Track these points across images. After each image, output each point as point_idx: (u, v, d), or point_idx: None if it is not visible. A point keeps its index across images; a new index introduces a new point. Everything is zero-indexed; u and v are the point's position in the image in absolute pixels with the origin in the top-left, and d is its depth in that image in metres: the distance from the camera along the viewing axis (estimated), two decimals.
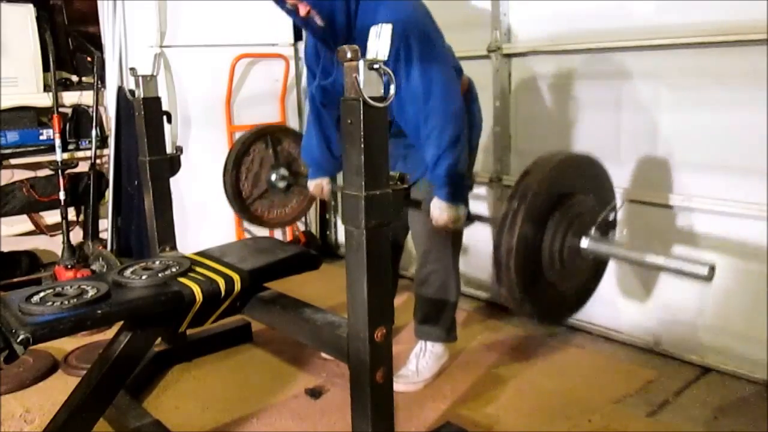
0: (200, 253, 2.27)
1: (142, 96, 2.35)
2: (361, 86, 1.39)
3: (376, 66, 1.41)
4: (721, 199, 2.22)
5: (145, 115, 2.35)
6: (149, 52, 3.16)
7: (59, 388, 2.31)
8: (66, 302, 1.73)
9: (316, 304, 2.02)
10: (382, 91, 1.44)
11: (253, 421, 2.09)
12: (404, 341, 2.49)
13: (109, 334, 2.34)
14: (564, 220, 1.66)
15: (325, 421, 2.08)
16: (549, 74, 2.72)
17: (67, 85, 3.50)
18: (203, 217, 3.43)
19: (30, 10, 3.27)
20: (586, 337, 2.68)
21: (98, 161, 3.49)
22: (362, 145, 1.44)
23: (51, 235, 3.52)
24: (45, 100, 3.33)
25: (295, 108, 3.81)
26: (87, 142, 3.46)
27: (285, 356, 2.55)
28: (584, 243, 1.70)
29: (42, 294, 1.79)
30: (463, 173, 2.02)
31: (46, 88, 3.33)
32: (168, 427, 1.98)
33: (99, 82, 3.42)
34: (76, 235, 3.51)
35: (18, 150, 3.29)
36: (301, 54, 3.61)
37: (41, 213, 3.47)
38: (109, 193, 3.46)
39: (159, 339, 2.39)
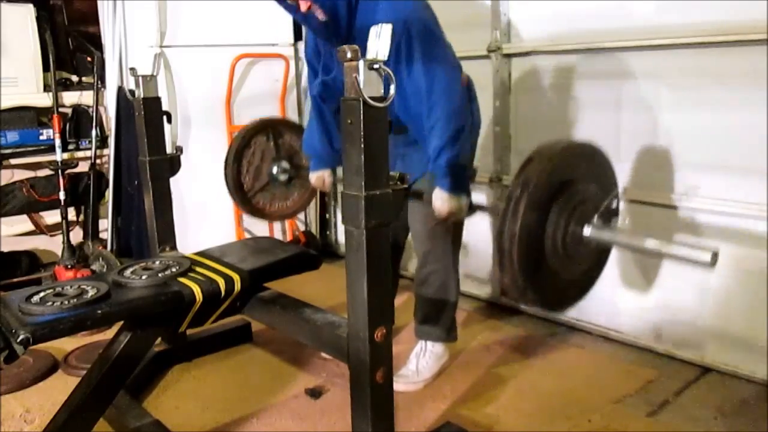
0: (200, 253, 2.27)
1: (142, 96, 2.35)
2: (361, 86, 1.39)
3: (376, 66, 1.41)
4: (722, 199, 2.23)
5: (145, 115, 2.35)
6: (149, 52, 3.16)
7: (59, 388, 2.31)
8: (66, 302, 1.73)
9: (316, 304, 2.02)
10: (382, 91, 1.44)
11: (253, 421, 2.09)
12: (404, 341, 2.49)
13: (109, 334, 2.34)
14: (566, 208, 1.66)
15: (325, 421, 2.08)
16: (549, 74, 2.72)
17: (67, 85, 3.50)
18: (203, 217, 3.43)
19: (30, 10, 3.28)
20: (586, 337, 2.68)
21: (98, 161, 3.49)
22: (362, 145, 1.44)
23: (51, 235, 3.52)
24: (45, 100, 3.33)
25: (295, 108, 3.81)
26: (87, 142, 3.46)
27: (285, 356, 2.55)
28: (587, 230, 1.70)
29: (42, 294, 1.79)
30: (465, 164, 2.03)
31: (46, 88, 3.33)
32: (168, 427, 1.98)
33: (99, 82, 3.42)
34: (76, 235, 3.51)
35: (18, 150, 3.29)
36: (302, 54, 3.62)
37: (41, 213, 3.47)
38: (109, 193, 3.46)
39: (159, 339, 2.39)
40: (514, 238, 1.57)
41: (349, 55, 1.40)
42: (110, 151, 3.42)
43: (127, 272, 2.00)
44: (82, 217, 3.55)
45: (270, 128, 2.71)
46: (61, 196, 3.28)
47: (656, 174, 2.40)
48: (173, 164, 2.46)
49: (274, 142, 2.70)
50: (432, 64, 1.92)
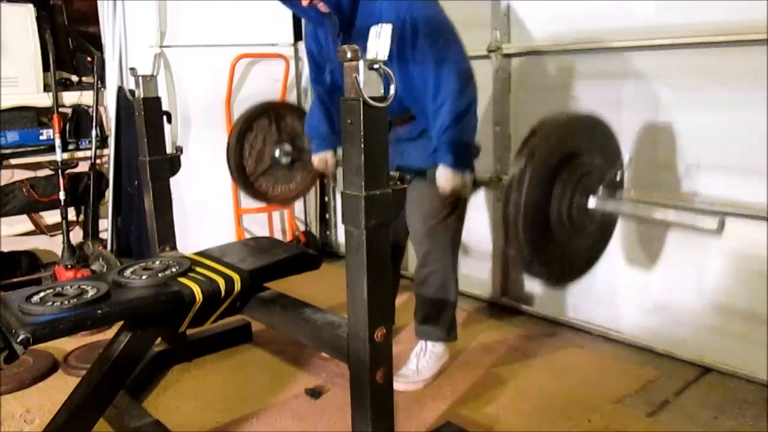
0: (200, 253, 2.27)
1: (142, 96, 2.35)
2: (361, 86, 1.39)
3: (376, 66, 1.41)
4: (722, 198, 2.22)
5: (145, 115, 2.35)
6: (149, 52, 3.16)
7: (59, 388, 2.31)
8: (66, 302, 1.73)
9: (316, 304, 2.02)
10: (383, 91, 1.44)
11: (253, 421, 2.09)
12: (404, 341, 2.49)
13: (109, 334, 2.34)
14: (571, 180, 1.66)
15: (325, 421, 2.08)
16: (549, 74, 2.72)
17: (67, 85, 3.50)
18: (203, 217, 3.43)
19: (30, 10, 3.28)
20: (586, 337, 2.68)
21: (98, 161, 3.49)
22: (362, 145, 1.44)
23: (51, 235, 3.52)
24: (45, 100, 3.33)
25: None
26: (87, 142, 3.46)
27: (285, 356, 2.55)
28: (592, 202, 1.69)
29: (42, 294, 1.79)
30: (470, 141, 2.05)
31: (46, 88, 3.33)
32: (168, 427, 1.98)
33: (99, 82, 3.42)
34: (76, 235, 3.51)
35: (18, 150, 3.29)
36: (302, 54, 3.62)
37: (41, 213, 3.47)
38: (109, 193, 3.46)
39: (159, 339, 2.39)
40: (519, 209, 1.56)
41: (349, 55, 1.40)
42: (110, 151, 3.43)
43: (127, 272, 2.00)
44: (82, 217, 3.55)
45: (271, 111, 2.70)
46: (61, 196, 3.28)
47: (656, 174, 2.40)
48: (173, 164, 2.46)
49: (276, 126, 2.69)
50: (438, 40, 1.94)
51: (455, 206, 2.20)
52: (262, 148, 2.67)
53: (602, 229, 1.85)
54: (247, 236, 3.58)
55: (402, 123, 2.10)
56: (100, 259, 3.26)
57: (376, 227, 1.50)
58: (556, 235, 1.67)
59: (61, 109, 3.35)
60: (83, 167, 3.45)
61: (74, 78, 3.57)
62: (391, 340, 1.64)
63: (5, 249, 3.37)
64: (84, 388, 1.87)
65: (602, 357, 2.49)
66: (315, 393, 2.23)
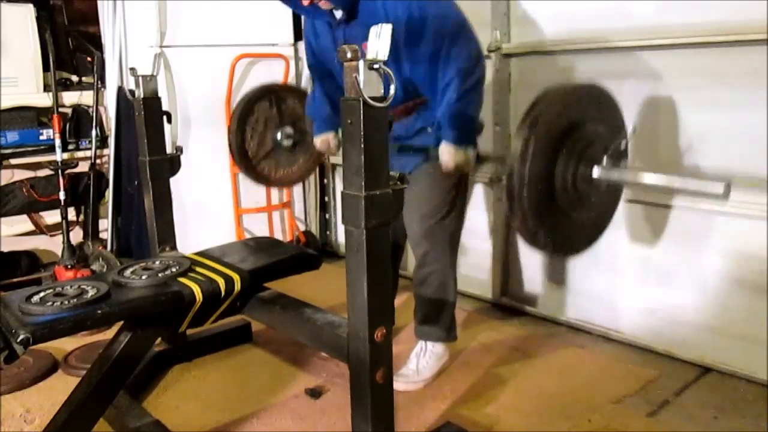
0: (200, 253, 2.27)
1: (142, 96, 2.35)
2: (361, 86, 1.39)
3: (376, 66, 1.41)
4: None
5: (145, 115, 2.35)
6: (149, 52, 3.16)
7: (59, 388, 2.31)
8: (66, 302, 1.73)
9: (316, 304, 2.02)
10: (382, 91, 1.44)
11: (253, 421, 2.09)
12: (404, 341, 2.49)
13: (109, 334, 2.34)
14: (575, 149, 1.64)
15: (325, 421, 2.08)
16: (549, 74, 2.71)
17: (67, 85, 3.50)
18: (203, 217, 3.43)
19: (30, 10, 3.27)
20: (586, 337, 2.68)
21: (98, 161, 3.49)
22: (362, 145, 1.44)
23: (51, 235, 3.52)
24: (45, 100, 3.33)
25: None
26: (87, 142, 3.46)
27: (285, 356, 2.55)
28: (596, 171, 1.68)
29: (42, 294, 1.79)
30: (474, 116, 2.06)
31: (46, 88, 3.33)
32: (168, 427, 1.98)
33: (99, 82, 3.42)
34: (76, 235, 3.51)
35: (18, 150, 3.29)
36: (301, 54, 3.62)
37: (41, 213, 3.47)
38: (109, 193, 3.46)
39: (159, 339, 2.39)
40: (523, 179, 1.54)
41: (349, 55, 1.40)
42: (110, 151, 3.43)
43: (127, 272, 2.00)
44: (82, 217, 3.55)
45: (272, 94, 2.70)
46: (61, 196, 3.28)
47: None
48: (173, 164, 2.46)
49: (277, 108, 2.69)
50: (447, 16, 1.95)
51: (453, 204, 2.20)
52: (263, 131, 2.66)
53: (607, 200, 1.83)
54: (247, 236, 3.58)
55: (403, 114, 2.11)
56: (100, 259, 3.26)
57: (376, 227, 1.50)
58: (561, 206, 1.66)
59: (61, 109, 3.35)
60: (83, 167, 3.45)
61: (74, 78, 3.57)
62: (391, 340, 1.64)
63: (5, 249, 3.37)
64: (84, 388, 1.87)
65: (602, 357, 2.49)
66: (315, 393, 2.23)
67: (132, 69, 2.42)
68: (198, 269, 2.08)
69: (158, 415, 2.05)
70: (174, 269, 2.04)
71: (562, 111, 1.64)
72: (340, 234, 3.95)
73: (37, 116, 3.36)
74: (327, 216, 4.04)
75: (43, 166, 3.37)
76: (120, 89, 3.34)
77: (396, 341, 2.25)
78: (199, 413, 2.15)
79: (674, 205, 2.36)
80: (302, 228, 3.91)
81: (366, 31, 1.44)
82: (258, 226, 3.69)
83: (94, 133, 3.41)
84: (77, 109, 3.49)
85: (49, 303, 1.73)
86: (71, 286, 1.86)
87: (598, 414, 2.07)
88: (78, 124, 3.49)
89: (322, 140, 2.40)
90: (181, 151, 2.48)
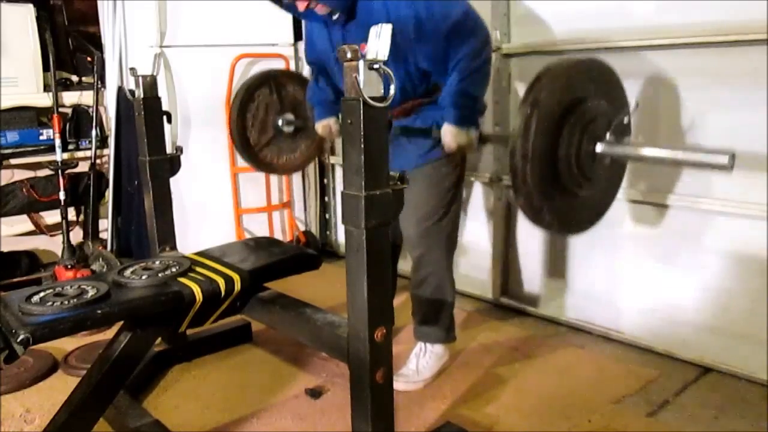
0: (200, 253, 2.27)
1: (142, 96, 2.35)
2: (361, 86, 1.39)
3: (376, 66, 1.41)
4: (722, 198, 2.22)
5: (145, 115, 2.35)
6: (149, 52, 3.16)
7: (59, 388, 2.31)
8: (66, 302, 1.73)
9: (316, 304, 2.02)
10: (382, 91, 1.44)
11: (253, 421, 2.09)
12: (404, 341, 2.49)
13: (109, 334, 2.34)
14: (578, 125, 1.63)
15: (325, 421, 2.08)
16: None
17: (67, 85, 3.50)
18: (203, 217, 3.43)
19: (30, 10, 3.27)
20: (586, 337, 2.68)
21: (98, 161, 3.49)
22: (362, 145, 1.44)
23: (51, 235, 3.52)
24: (45, 100, 3.33)
25: None
26: (87, 142, 3.46)
27: (285, 356, 2.55)
28: (599, 147, 1.67)
29: (42, 294, 1.79)
30: (477, 96, 2.06)
31: (46, 88, 3.33)
32: (168, 427, 1.98)
33: (99, 82, 3.42)
34: (76, 235, 3.51)
35: (18, 150, 3.29)
36: (301, 54, 3.61)
37: (41, 213, 3.47)
38: (109, 193, 3.46)
39: (159, 339, 2.39)
40: (527, 156, 1.53)
41: (349, 55, 1.40)
42: (110, 151, 3.42)
43: (127, 272, 2.00)
44: (82, 217, 3.55)
45: (272, 80, 2.68)
46: (61, 196, 3.28)
47: (656, 173, 2.40)
48: (173, 164, 2.46)
49: (278, 95, 2.67)
50: (451, 19, 1.96)
51: (450, 206, 2.20)
52: (264, 118, 2.65)
53: (610, 176, 1.82)
54: (247, 236, 3.58)
55: (402, 115, 2.10)
56: (100, 259, 3.26)
57: (376, 227, 1.50)
58: (565, 182, 1.65)
59: (61, 109, 3.35)
60: (83, 167, 3.45)
61: (74, 78, 3.57)
62: (391, 340, 1.64)
63: (5, 249, 3.37)
64: (84, 388, 1.87)
65: (602, 357, 2.49)
66: (315, 393, 2.23)
67: (132, 69, 2.42)
68: (198, 269, 2.08)
69: (158, 415, 2.05)
70: (174, 269, 2.04)
71: (564, 88, 1.63)
72: (340, 234, 3.95)
73: (37, 116, 3.36)
74: (327, 216, 4.04)
75: (43, 166, 3.37)
76: (120, 89, 3.34)
77: (396, 341, 2.25)
78: (199, 413, 2.15)
79: (674, 205, 2.37)
80: (302, 228, 3.91)
81: (365, 31, 1.44)
82: (258, 226, 3.69)
83: (94, 133, 3.41)
84: (77, 109, 3.49)
85: (49, 303, 1.73)
86: (71, 286, 1.86)
87: (598, 414, 2.07)
88: (78, 124, 3.49)
89: (324, 126, 2.40)
90: (181, 151, 2.48)
